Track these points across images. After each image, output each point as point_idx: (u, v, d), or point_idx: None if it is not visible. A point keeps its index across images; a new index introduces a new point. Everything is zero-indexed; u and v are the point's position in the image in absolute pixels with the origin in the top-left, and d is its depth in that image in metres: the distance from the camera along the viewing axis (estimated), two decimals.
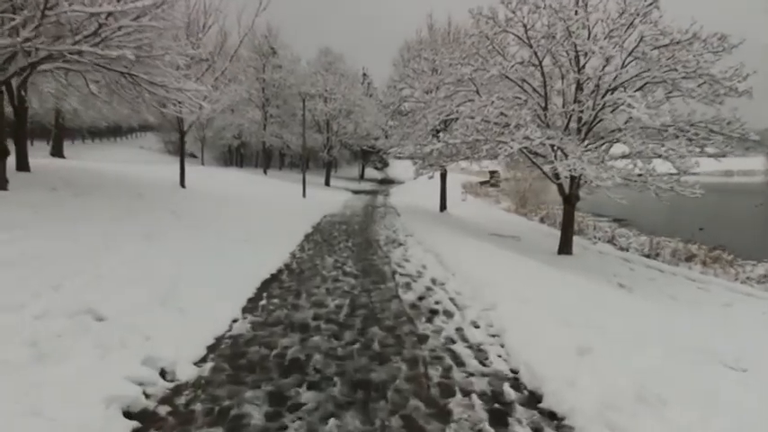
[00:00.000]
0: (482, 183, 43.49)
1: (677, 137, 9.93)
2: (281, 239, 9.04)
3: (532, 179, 27.81)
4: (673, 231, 17.41)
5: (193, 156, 42.93)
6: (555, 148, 10.29)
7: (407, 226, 12.99)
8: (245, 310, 4.61)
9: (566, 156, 10.40)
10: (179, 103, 9.51)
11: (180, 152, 13.75)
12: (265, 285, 5.65)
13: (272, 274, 6.22)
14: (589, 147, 10.02)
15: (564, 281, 6.70)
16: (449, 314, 4.62)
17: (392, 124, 18.48)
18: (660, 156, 9.51)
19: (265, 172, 34.02)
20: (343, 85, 32.66)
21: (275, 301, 5.02)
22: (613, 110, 10.73)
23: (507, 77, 11.29)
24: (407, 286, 5.75)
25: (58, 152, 26.05)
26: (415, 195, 27.81)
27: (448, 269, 6.62)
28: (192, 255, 6.21)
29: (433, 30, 17.16)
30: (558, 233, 19.30)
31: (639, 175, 9.69)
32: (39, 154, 25.49)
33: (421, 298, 5.22)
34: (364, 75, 46.11)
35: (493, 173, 39.34)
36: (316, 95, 32.17)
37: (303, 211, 15.52)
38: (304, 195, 21.20)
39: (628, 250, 15.39)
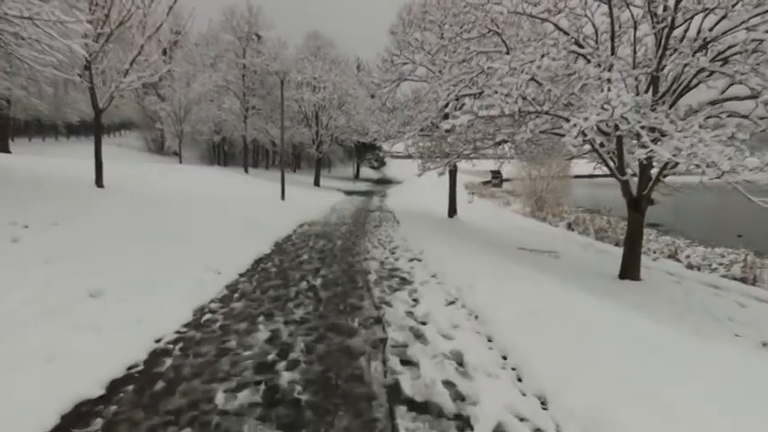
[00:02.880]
0: (484, 183, 40.21)
1: None
2: (199, 277, 5.20)
3: (551, 178, 24.28)
4: (708, 237, 15.46)
5: (176, 154, 38.98)
6: (643, 126, 6.53)
7: (411, 241, 9.26)
8: None
9: (652, 137, 6.71)
10: (36, 42, 5.68)
11: (95, 137, 9.87)
12: None
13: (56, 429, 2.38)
14: (704, 122, 6.26)
15: None
16: None
17: (384, 117, 14.66)
18: None
19: (246, 170, 30.08)
20: (333, 72, 28.70)
21: None
22: (724, 63, 7.01)
23: (558, 27, 7.58)
24: None
25: (2, 147, 23.20)
26: (415, 196, 24.34)
27: (521, 374, 2.85)
28: None
29: None
30: (598, 244, 15.68)
31: None
32: None
33: None
34: (358, 67, 42.04)
35: (495, 172, 35.92)
36: (303, 83, 28.25)
37: (273, 218, 11.66)
38: (283, 197, 17.36)
39: (699, 269, 11.66)
